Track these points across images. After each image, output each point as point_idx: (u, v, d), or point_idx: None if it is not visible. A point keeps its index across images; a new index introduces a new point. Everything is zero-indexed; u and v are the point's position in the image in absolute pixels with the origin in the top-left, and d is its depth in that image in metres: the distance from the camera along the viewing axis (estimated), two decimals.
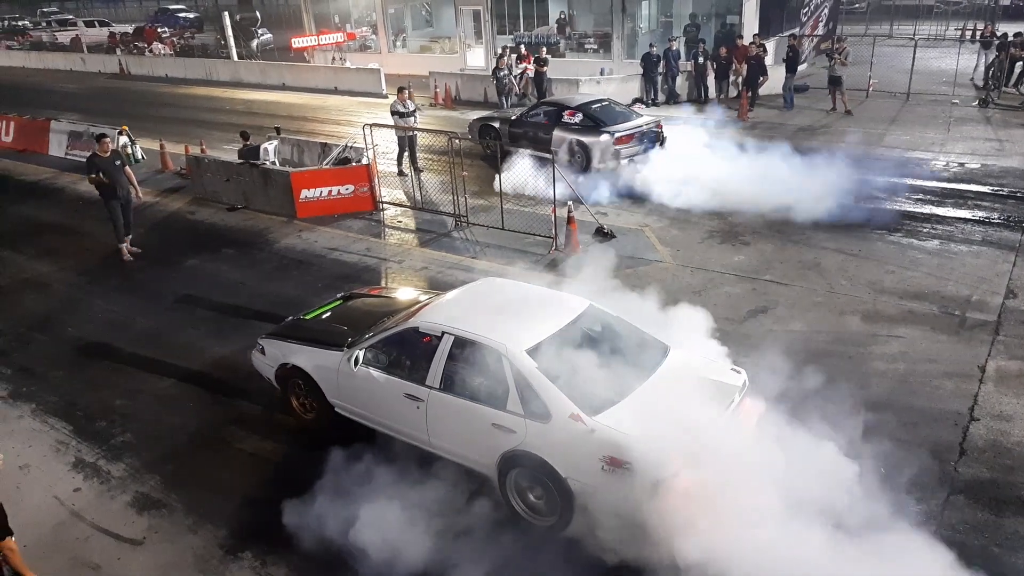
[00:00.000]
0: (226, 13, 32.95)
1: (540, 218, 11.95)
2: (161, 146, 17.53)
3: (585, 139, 14.28)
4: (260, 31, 38.59)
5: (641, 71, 21.23)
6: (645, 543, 5.09)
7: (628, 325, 6.47)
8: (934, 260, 10.23)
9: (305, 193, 13.61)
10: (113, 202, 11.95)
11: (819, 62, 23.41)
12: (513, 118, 15.88)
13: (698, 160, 13.61)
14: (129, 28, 42.71)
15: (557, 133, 14.66)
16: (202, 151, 16.45)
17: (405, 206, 14.09)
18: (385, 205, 14.00)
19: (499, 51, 23.57)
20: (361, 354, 6.67)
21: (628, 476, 5.17)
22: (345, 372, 6.77)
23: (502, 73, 20.73)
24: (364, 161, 14.03)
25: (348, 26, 33.06)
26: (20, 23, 52.87)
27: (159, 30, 40.77)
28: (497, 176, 12.83)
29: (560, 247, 11.23)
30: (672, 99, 21.14)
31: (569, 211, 11.32)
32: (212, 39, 39.47)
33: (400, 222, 13.40)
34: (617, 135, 14.03)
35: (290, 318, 8.18)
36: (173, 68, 33.59)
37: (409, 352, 6.48)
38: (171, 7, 53.29)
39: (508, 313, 6.44)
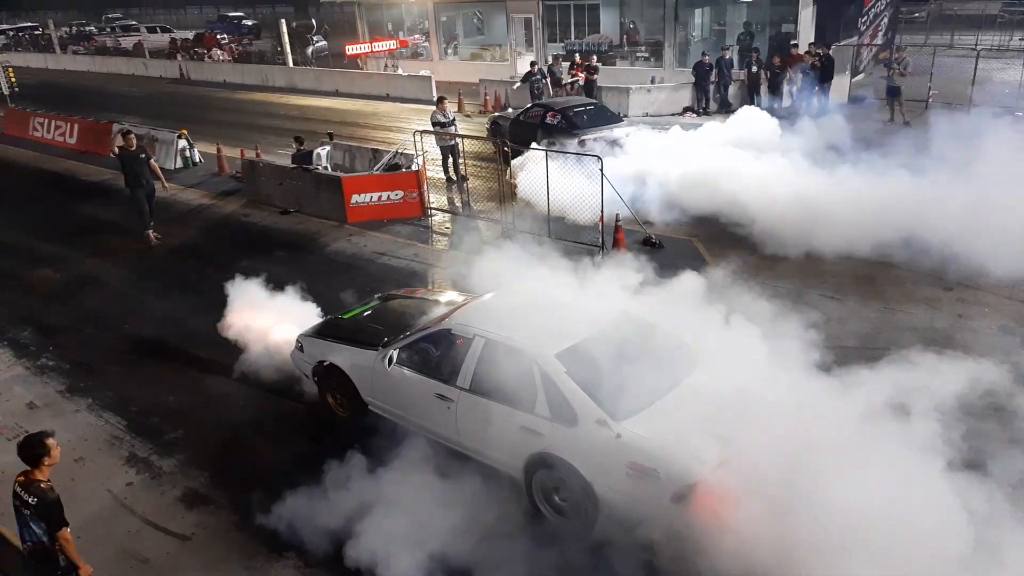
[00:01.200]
0: (283, 20, 33.63)
1: (587, 226, 11.85)
2: (218, 150, 17.97)
3: (557, 140, 14.96)
4: (315, 38, 39.31)
5: (693, 80, 21.02)
6: (672, 549, 5.07)
7: (661, 332, 6.46)
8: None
9: (355, 198, 13.79)
10: (138, 192, 12.94)
11: (877, 72, 22.86)
12: (512, 118, 17.07)
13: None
14: (190, 34, 43.89)
15: (540, 133, 15.65)
16: (257, 155, 16.81)
17: (453, 212, 14.16)
18: (433, 211, 14.10)
19: (549, 59, 23.62)
20: (395, 354, 6.86)
21: (654, 482, 5.18)
22: (379, 371, 6.95)
23: (534, 78, 21.20)
24: (413, 167, 14.16)
25: (401, 33, 33.46)
26: (86, 29, 54.77)
27: (218, 36, 41.78)
28: (508, 169, 13.48)
29: (607, 255, 11.15)
30: (724, 108, 20.87)
31: (617, 220, 11.23)
32: (269, 46, 40.36)
33: (447, 228, 13.48)
34: (581, 138, 14.79)
35: (329, 317, 8.36)
36: (231, 74, 34.45)
37: (442, 353, 6.64)
38: (230, 14, 54.67)
39: (540, 318, 6.53)
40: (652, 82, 22.83)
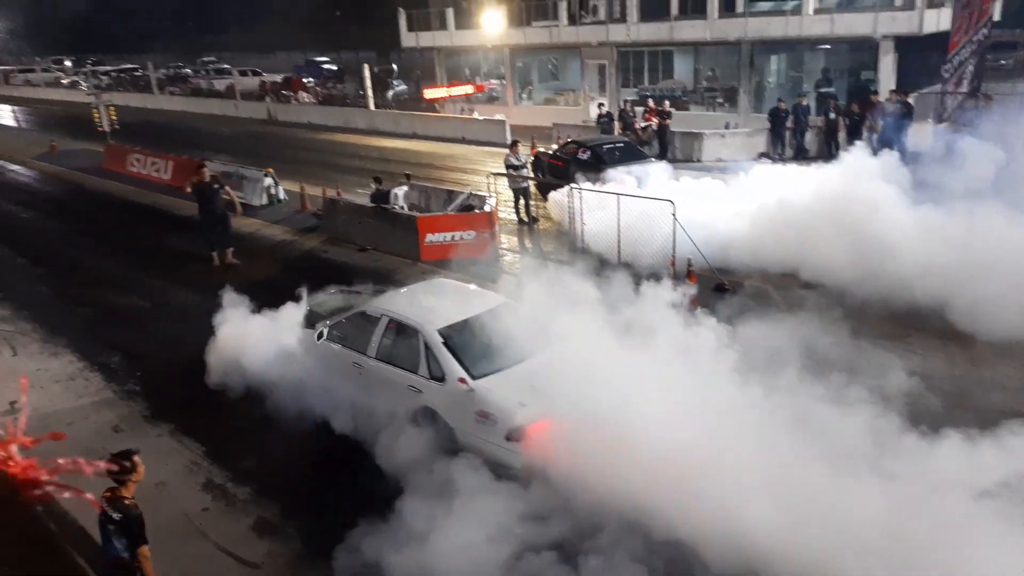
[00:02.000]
0: (366, 65, 35.00)
1: (659, 263, 11.73)
2: (301, 188, 18.71)
3: (587, 175, 15.37)
4: (396, 82, 40.76)
5: (769, 125, 20.86)
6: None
7: (531, 320, 7.90)
8: None
9: (429, 237, 14.12)
10: (207, 220, 14.31)
11: (962, 119, 22.18)
12: (550, 154, 18.13)
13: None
14: (278, 77, 46.02)
15: (573, 168, 16.43)
16: (338, 194, 17.42)
17: (523, 253, 14.33)
18: (504, 251, 14.30)
19: (622, 104, 23.86)
20: (325, 331, 8.61)
21: (493, 425, 6.86)
22: (313, 346, 8.69)
23: (603, 120, 22.09)
24: (486, 208, 14.44)
25: (477, 78, 34.37)
26: (182, 71, 58.04)
27: (305, 80, 43.69)
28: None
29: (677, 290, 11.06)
30: (801, 155, 20.59)
31: (689, 265, 11.17)
32: (352, 89, 41.98)
33: (517, 268, 13.63)
34: (607, 173, 15.23)
35: (306, 301, 9.85)
36: (315, 115, 35.90)
37: (359, 330, 8.29)
38: (317, 59, 57.15)
39: (436, 303, 8.38)
40: (726, 127, 22.74)
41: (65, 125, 36.56)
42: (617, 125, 22.12)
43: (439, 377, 7.37)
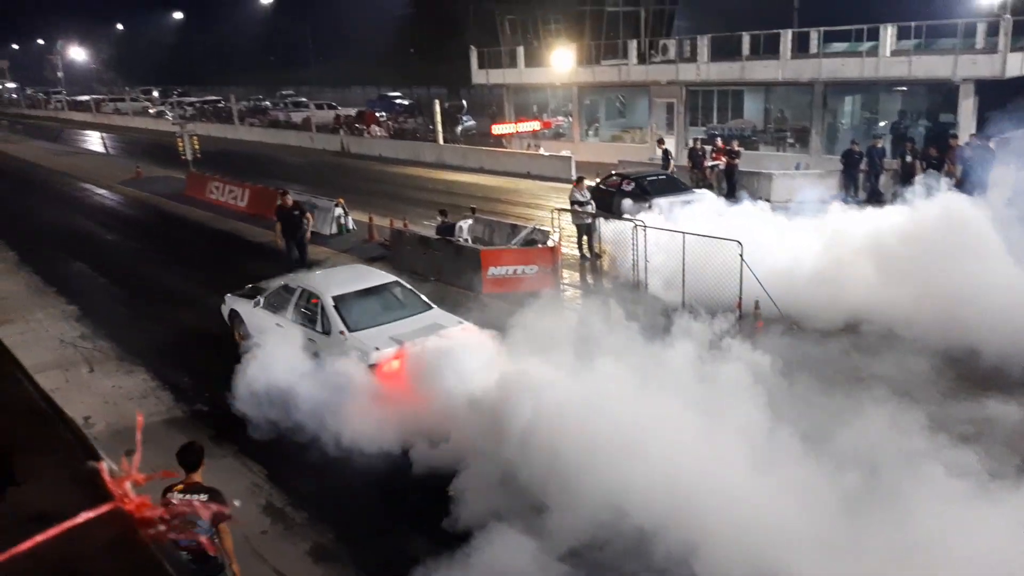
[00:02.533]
0: (437, 101, 35.81)
1: (726, 300, 11.48)
2: (370, 219, 19.15)
3: (636, 203, 16.27)
4: (465, 117, 41.54)
5: (841, 167, 20.42)
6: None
7: (415, 295, 10.74)
8: None
9: (492, 270, 14.23)
10: (290, 243, 15.45)
11: None
12: (594, 186, 18.57)
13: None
14: (352, 111, 47.47)
15: (616, 199, 17.17)
16: (404, 225, 17.75)
17: (585, 289, 14.29)
18: (566, 286, 14.29)
19: (690, 143, 23.72)
20: (262, 300, 11.04)
21: (359, 362, 9.04)
22: (251, 311, 11.22)
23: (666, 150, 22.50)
24: (549, 243, 14.49)
25: (545, 115, 34.75)
26: (262, 103, 60.51)
27: (377, 114, 44.94)
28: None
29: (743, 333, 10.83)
30: (875, 198, 20.05)
31: (756, 307, 10.94)
32: (422, 123, 42.97)
33: (579, 304, 13.59)
34: (654, 201, 16.04)
35: (248, 286, 12.20)
36: (386, 149, 36.82)
37: (282, 299, 10.79)
38: (390, 94, 58.83)
39: (340, 279, 11.01)
40: (797, 168, 22.37)
41: (150, 152, 38.38)
42: (670, 162, 22.07)
43: (327, 331, 9.87)
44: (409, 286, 11.01)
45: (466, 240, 15.63)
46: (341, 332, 9.64)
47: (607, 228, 15.10)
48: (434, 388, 8.29)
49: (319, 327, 9.99)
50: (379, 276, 11.22)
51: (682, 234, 12.20)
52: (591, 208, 15.90)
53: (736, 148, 21.66)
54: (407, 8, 61.95)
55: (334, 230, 19.78)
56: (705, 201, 15.99)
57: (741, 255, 11.10)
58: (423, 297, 10.77)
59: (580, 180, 16.38)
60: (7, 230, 21.44)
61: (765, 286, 11.33)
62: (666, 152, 22.44)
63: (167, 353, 12.14)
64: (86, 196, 28.41)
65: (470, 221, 16.20)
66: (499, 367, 8.33)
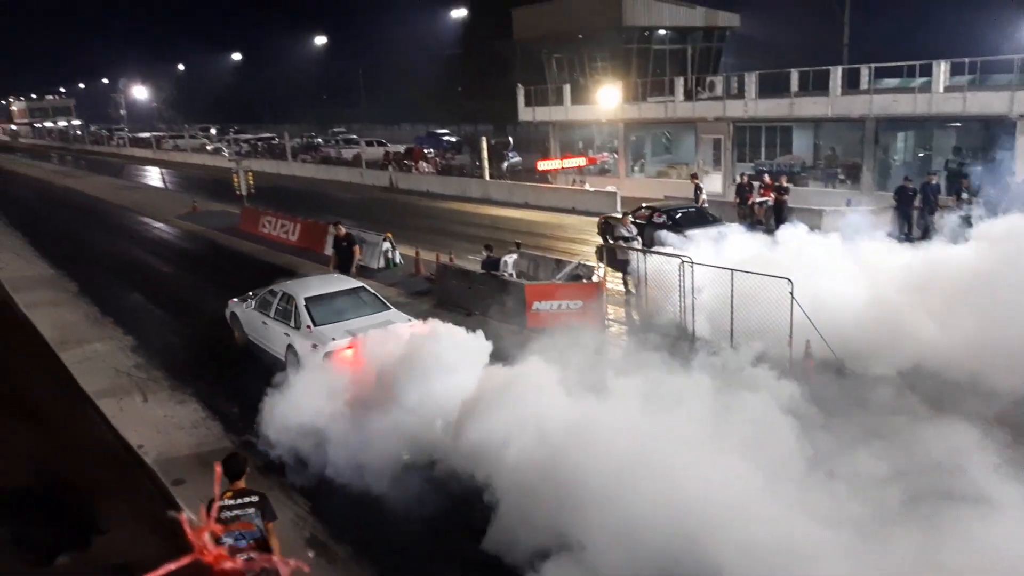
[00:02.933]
0: (484, 138, 36.33)
1: (774, 338, 11.22)
2: (416, 253, 19.39)
3: (663, 236, 16.28)
4: (511, 154, 41.99)
5: (894, 204, 20.02)
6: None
7: (376, 298, 12.83)
8: None
9: (536, 305, 14.23)
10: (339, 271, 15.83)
11: None
12: (620, 218, 19.16)
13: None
14: (401, 148, 48.43)
15: (648, 231, 17.47)
16: (450, 260, 17.93)
17: (630, 325, 14.18)
18: (611, 322, 14.20)
19: (738, 179, 23.52)
20: (254, 302, 13.43)
21: (318, 351, 11.14)
22: (245, 311, 13.67)
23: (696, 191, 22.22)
24: (594, 279, 14.45)
25: (590, 151, 34.94)
26: (314, 140, 62.16)
27: (425, 150, 45.75)
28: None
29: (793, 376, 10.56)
30: (928, 235, 19.57)
31: (807, 348, 10.72)
32: (468, 160, 43.55)
33: (624, 340, 13.48)
34: (686, 233, 16.19)
35: (248, 293, 14.06)
36: (433, 184, 37.37)
37: (267, 301, 12.99)
38: (437, 131, 59.91)
39: (315, 285, 13.23)
40: (848, 204, 21.99)
41: (207, 187, 39.57)
42: (700, 197, 21.97)
43: (298, 326, 11.92)
44: (373, 291, 13.13)
45: (511, 275, 15.69)
46: (308, 326, 11.78)
47: (651, 264, 14.93)
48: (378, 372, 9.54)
49: (292, 323, 12.10)
50: (348, 282, 13.37)
51: (730, 271, 11.98)
52: (637, 244, 15.84)
53: (785, 184, 21.43)
54: (455, 48, 63.35)
55: (381, 264, 20.06)
56: (734, 234, 15.92)
57: (792, 292, 10.87)
58: (383, 300, 12.84)
59: (625, 215, 16.42)
60: (69, 261, 22.25)
61: (816, 325, 11.03)
62: (697, 187, 22.39)
63: (218, 383, 12.38)
64: (144, 229, 29.38)
65: (515, 256, 16.28)
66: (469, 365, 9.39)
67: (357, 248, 16.78)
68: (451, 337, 9.79)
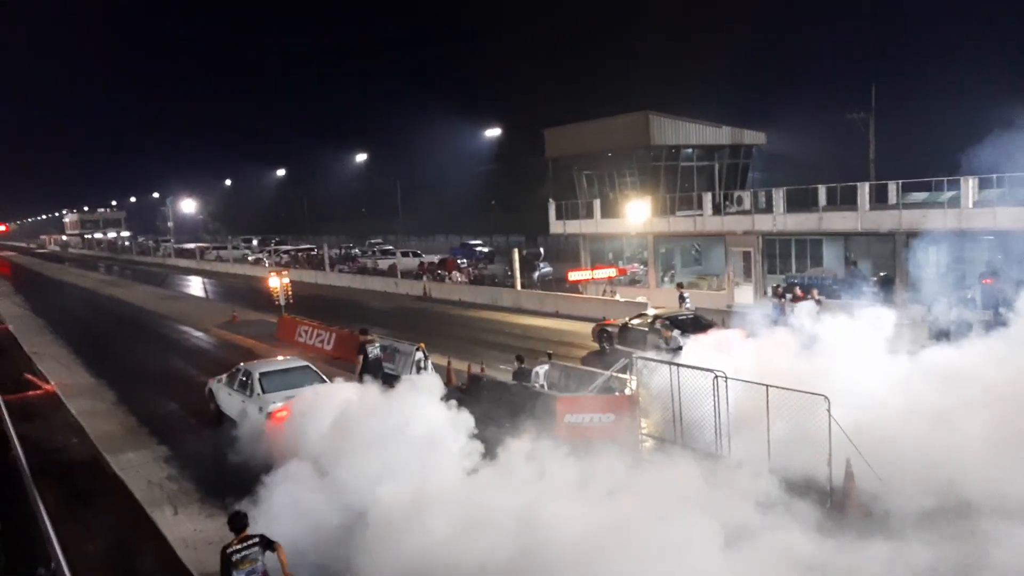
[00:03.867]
0: (516, 249, 37.11)
1: (814, 452, 10.85)
2: (448, 363, 19.50)
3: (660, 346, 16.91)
4: (542, 264, 42.70)
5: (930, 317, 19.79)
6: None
7: (316, 374, 15.80)
8: None
9: (568, 417, 14.09)
10: (367, 376, 16.17)
11: None
12: (621, 324, 21.59)
13: None
14: (435, 258, 49.56)
15: (649, 339, 19.11)
16: (481, 370, 17.99)
17: (664, 440, 13.92)
18: (644, 437, 13.98)
19: (769, 291, 23.55)
20: (224, 379, 16.36)
21: (262, 413, 14.22)
22: (217, 387, 16.66)
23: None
24: (627, 391, 14.36)
25: (620, 262, 35.39)
26: (352, 251, 63.95)
27: (458, 261, 46.75)
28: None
29: (836, 505, 10.22)
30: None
31: (848, 467, 10.39)
32: (500, 270, 44.31)
33: (658, 456, 13.20)
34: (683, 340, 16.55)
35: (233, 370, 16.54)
36: (466, 293, 37.97)
37: (233, 377, 16.07)
38: (471, 242, 61.38)
39: (268, 364, 16.70)
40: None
41: (247, 297, 40.57)
42: (684, 303, 24.26)
43: (251, 395, 14.99)
44: (314, 368, 16.13)
45: (542, 386, 15.66)
46: (258, 394, 14.82)
47: (685, 378, 14.70)
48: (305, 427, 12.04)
49: (248, 392, 15.17)
50: (296, 362, 16.64)
51: (765, 387, 11.71)
52: (670, 357, 15.75)
53: (817, 297, 21.38)
54: (489, 163, 65.78)
55: (413, 373, 20.14)
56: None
57: (828, 410, 10.58)
58: (321, 375, 15.76)
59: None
60: (109, 371, 22.75)
61: (858, 447, 10.53)
62: (681, 295, 24.64)
63: (248, 497, 12.32)
64: (184, 338, 30.03)
65: (547, 367, 16.31)
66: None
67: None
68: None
